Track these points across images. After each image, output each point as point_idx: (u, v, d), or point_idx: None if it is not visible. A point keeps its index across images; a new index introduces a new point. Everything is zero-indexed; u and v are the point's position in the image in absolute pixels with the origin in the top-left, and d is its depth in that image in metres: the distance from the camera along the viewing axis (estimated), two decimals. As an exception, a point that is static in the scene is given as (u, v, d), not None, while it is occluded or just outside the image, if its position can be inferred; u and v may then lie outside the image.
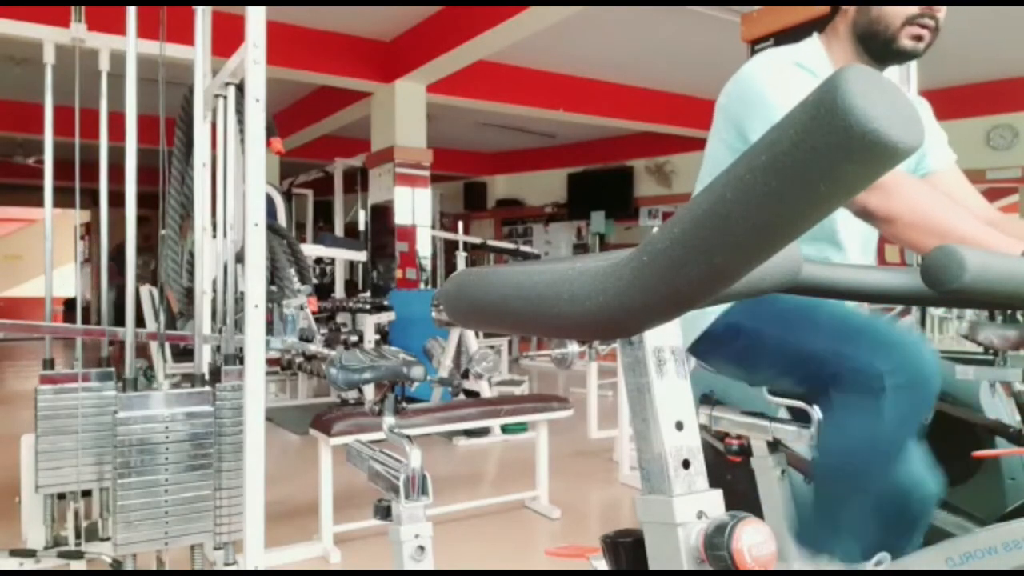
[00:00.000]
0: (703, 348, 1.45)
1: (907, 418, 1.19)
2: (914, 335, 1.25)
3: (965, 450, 1.70)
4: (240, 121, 2.33)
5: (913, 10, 1.33)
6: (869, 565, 1.19)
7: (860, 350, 1.20)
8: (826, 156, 0.35)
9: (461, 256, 6.91)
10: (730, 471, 1.51)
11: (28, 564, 2.34)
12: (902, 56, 1.37)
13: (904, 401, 1.17)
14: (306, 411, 4.83)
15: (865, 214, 1.20)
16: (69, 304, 12.19)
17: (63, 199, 2.77)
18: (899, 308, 2.84)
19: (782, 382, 1.41)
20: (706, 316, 1.41)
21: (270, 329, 2.94)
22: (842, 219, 1.43)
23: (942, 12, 1.35)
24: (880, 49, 1.37)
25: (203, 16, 2.41)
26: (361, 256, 7.05)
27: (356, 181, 8.05)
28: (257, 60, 1.96)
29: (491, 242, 8.42)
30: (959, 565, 0.94)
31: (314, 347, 3.40)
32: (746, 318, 1.37)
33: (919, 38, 1.34)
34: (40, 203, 2.54)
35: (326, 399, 6.01)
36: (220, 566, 2.19)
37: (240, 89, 2.30)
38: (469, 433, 4.46)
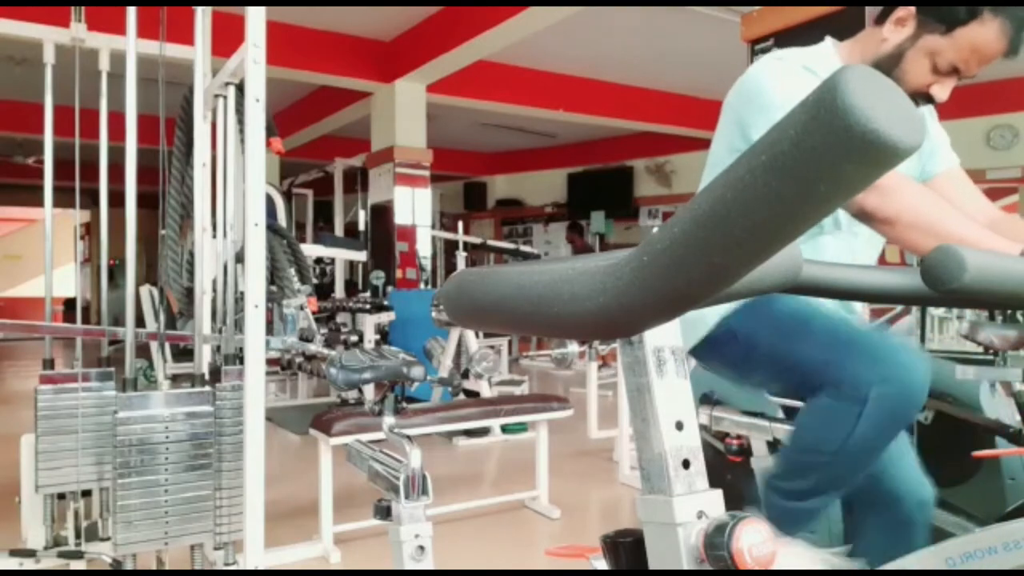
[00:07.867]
0: (702, 352, 1.47)
1: (884, 428, 1.23)
2: (906, 346, 1.26)
3: (965, 450, 1.70)
4: (240, 121, 2.33)
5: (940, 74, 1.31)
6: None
7: (849, 360, 1.24)
8: (826, 156, 0.35)
9: (461, 256, 6.90)
10: (730, 471, 1.51)
11: (28, 564, 2.34)
12: (925, 101, 1.37)
13: (885, 412, 1.20)
14: (306, 411, 4.83)
15: (864, 215, 1.20)
16: (69, 304, 12.19)
17: (63, 199, 2.77)
18: (899, 308, 2.84)
19: (775, 386, 1.43)
20: (705, 322, 1.42)
21: (270, 329, 2.95)
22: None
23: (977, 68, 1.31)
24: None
25: (203, 16, 2.41)
26: (361, 256, 7.05)
27: (356, 181, 8.05)
28: (257, 60, 1.96)
29: (491, 242, 8.42)
30: (959, 565, 0.93)
31: (314, 347, 3.40)
32: (743, 323, 1.39)
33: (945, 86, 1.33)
34: (40, 203, 2.54)
35: (326, 399, 6.01)
36: (220, 566, 2.19)
37: (240, 89, 2.30)
38: (469, 433, 4.46)
